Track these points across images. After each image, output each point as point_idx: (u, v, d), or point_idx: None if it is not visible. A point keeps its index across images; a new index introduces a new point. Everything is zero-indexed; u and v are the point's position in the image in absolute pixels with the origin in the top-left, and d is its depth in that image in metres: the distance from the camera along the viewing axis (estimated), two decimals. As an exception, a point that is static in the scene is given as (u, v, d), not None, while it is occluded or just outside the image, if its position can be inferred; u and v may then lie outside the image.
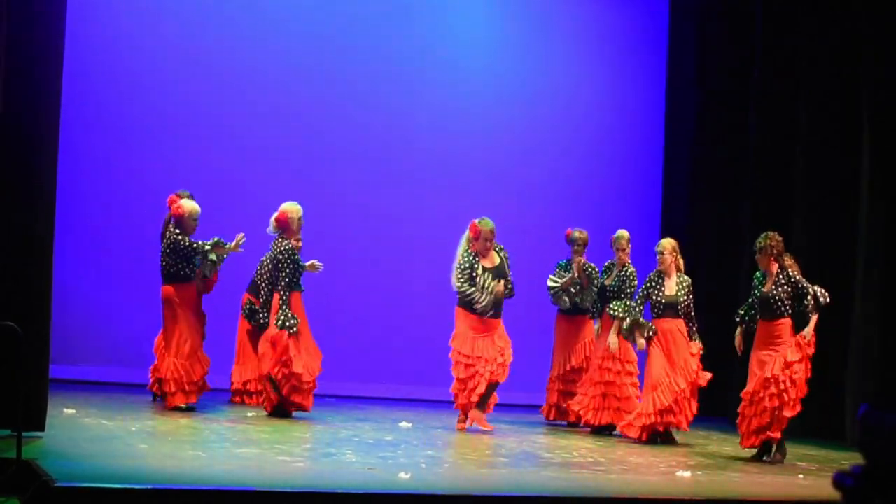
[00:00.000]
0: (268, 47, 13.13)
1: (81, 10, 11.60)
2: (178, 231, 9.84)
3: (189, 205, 9.92)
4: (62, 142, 7.91)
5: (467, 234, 9.93)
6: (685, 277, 10.26)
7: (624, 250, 10.83)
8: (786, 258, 9.30)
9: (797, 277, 9.23)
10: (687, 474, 8.11)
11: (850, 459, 9.47)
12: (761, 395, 9.18)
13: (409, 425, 10.07)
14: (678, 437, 10.31)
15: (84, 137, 12.17)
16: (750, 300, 9.55)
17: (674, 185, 14.33)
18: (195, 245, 9.80)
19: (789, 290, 9.19)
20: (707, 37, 14.18)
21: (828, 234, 11.93)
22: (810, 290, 9.19)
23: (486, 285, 9.83)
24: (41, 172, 7.56)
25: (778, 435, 9.27)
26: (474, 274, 9.84)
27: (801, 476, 8.61)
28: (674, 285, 10.16)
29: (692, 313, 10.21)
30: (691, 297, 10.22)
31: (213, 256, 9.99)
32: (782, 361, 9.13)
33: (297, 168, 13.12)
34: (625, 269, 10.76)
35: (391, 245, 13.38)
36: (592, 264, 11.24)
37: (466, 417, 9.96)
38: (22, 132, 7.49)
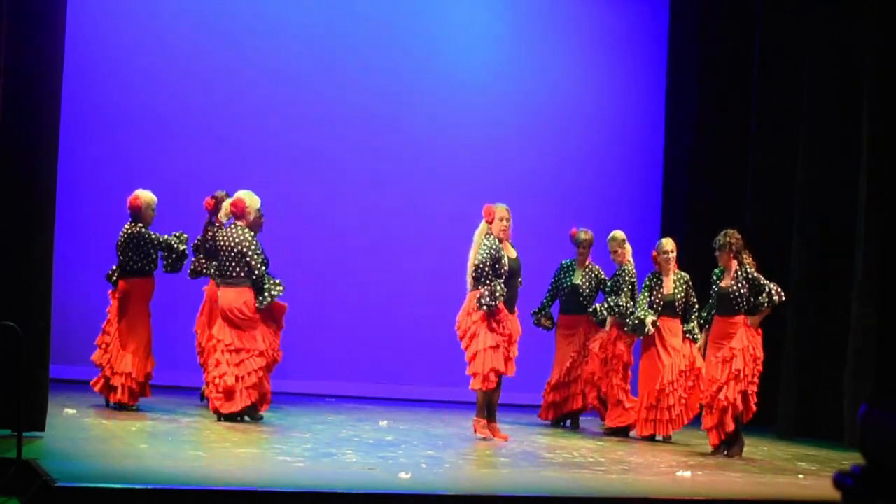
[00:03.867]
0: (269, 46, 13.13)
1: (81, 11, 11.60)
2: (140, 225, 9.81)
3: (146, 195, 9.91)
4: (62, 142, 7.90)
5: (482, 224, 9.41)
6: (682, 274, 10.35)
7: (616, 252, 10.82)
8: (745, 255, 9.41)
9: (755, 274, 9.33)
10: (687, 474, 8.11)
11: (850, 459, 9.47)
12: (724, 389, 9.31)
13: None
14: (675, 437, 10.38)
15: (84, 137, 12.17)
16: (710, 301, 9.68)
17: (674, 185, 14.34)
18: (160, 240, 9.75)
19: (747, 286, 9.28)
20: (707, 35, 14.18)
21: (828, 221, 11.95)
22: (767, 286, 9.27)
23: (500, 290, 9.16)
24: (41, 172, 7.56)
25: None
26: (496, 260, 9.22)
27: (801, 476, 8.61)
28: (671, 283, 10.26)
29: (692, 309, 10.24)
30: (691, 292, 10.29)
31: (181, 246, 9.88)
32: (749, 356, 9.25)
33: (297, 167, 13.12)
34: (621, 267, 10.76)
35: (392, 245, 13.38)
36: (599, 266, 11.24)
37: (489, 425, 9.45)
38: (22, 132, 7.49)
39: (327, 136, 13.29)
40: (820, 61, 12.14)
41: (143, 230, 9.80)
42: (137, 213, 9.88)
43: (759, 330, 9.40)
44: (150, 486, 5.91)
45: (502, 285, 9.20)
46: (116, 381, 9.67)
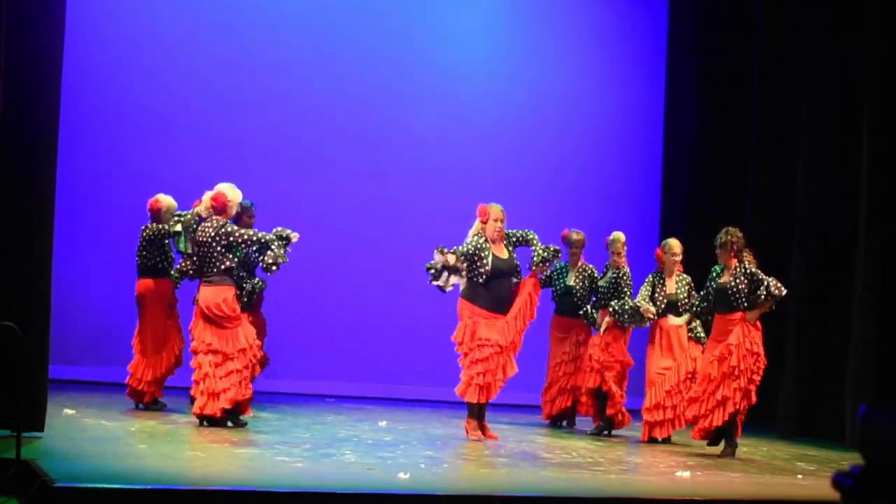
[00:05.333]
0: (268, 46, 13.14)
1: (81, 11, 11.60)
2: (159, 226, 9.90)
3: (166, 199, 9.95)
4: (62, 142, 7.90)
5: (476, 223, 9.39)
6: (685, 276, 10.34)
7: (619, 253, 10.80)
8: (746, 254, 9.42)
9: (753, 270, 9.35)
10: (686, 474, 8.11)
11: (849, 459, 9.47)
12: (722, 388, 9.31)
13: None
14: (675, 437, 10.37)
15: (84, 137, 12.17)
16: (703, 292, 9.70)
17: (673, 187, 14.34)
18: (165, 228, 9.78)
19: (746, 282, 9.30)
20: (707, 38, 14.19)
21: (828, 234, 11.94)
22: (765, 280, 9.29)
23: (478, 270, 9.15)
24: (41, 172, 7.56)
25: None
26: (477, 257, 9.20)
27: (800, 476, 8.62)
28: (674, 284, 10.24)
29: (694, 311, 10.22)
30: (693, 294, 10.27)
31: (177, 227, 9.60)
32: (745, 351, 9.26)
33: (298, 167, 13.12)
34: (619, 270, 10.75)
35: (392, 245, 13.38)
36: (592, 265, 11.23)
37: (479, 424, 9.43)
38: (22, 132, 7.49)
39: (327, 135, 13.29)
40: (820, 74, 12.10)
41: (159, 226, 9.84)
42: (157, 217, 9.93)
43: (759, 325, 9.37)
44: (149, 487, 5.91)
45: (457, 277, 9.19)
46: (133, 382, 9.84)
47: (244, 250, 9.36)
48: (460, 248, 9.27)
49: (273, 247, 8.95)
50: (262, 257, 9.05)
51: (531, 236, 9.52)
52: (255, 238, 8.95)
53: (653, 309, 10.10)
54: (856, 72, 11.69)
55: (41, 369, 7.49)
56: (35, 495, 5.84)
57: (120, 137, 12.59)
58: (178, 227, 9.58)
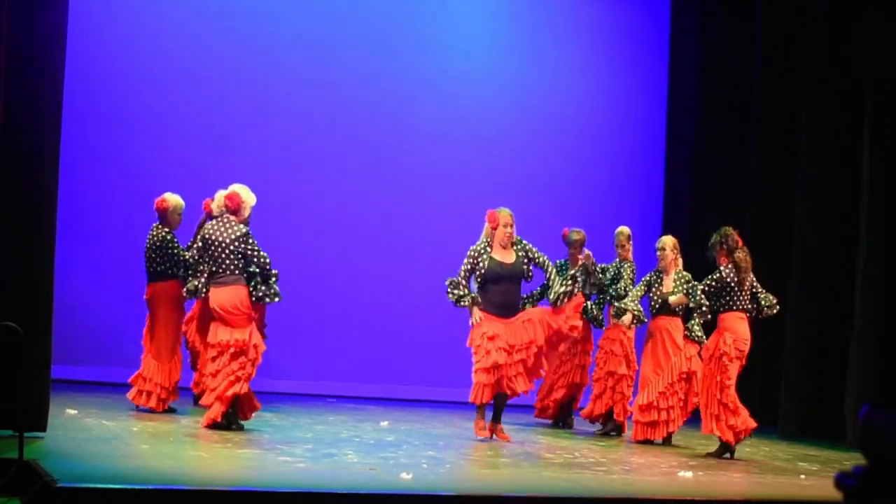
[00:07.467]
0: (269, 48, 13.14)
1: (83, 12, 11.61)
2: (166, 230, 9.80)
3: (174, 199, 9.87)
4: (64, 140, 7.90)
5: (486, 226, 9.36)
6: (684, 273, 10.22)
7: (623, 246, 10.80)
8: (739, 252, 9.39)
9: (715, 277, 9.40)
10: (688, 475, 8.11)
11: (851, 460, 9.47)
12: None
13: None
14: (674, 438, 10.36)
15: (84, 138, 12.17)
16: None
17: (675, 185, 14.35)
18: (184, 255, 9.70)
19: (718, 285, 9.40)
20: (709, 34, 14.20)
21: (829, 231, 11.95)
22: (698, 293, 9.48)
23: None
24: (43, 171, 7.55)
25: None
26: (474, 266, 9.24)
27: (802, 476, 8.61)
28: (671, 283, 10.18)
29: (694, 309, 10.18)
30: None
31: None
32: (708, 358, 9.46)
33: (298, 167, 13.12)
34: (623, 262, 10.75)
35: (393, 245, 13.38)
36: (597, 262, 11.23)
37: (492, 425, 9.46)
38: (22, 133, 7.48)
39: (328, 136, 13.29)
40: (822, 58, 12.11)
41: (169, 237, 9.76)
42: (164, 216, 9.84)
43: (733, 327, 9.36)
44: (151, 487, 5.91)
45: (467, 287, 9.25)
46: (146, 387, 9.73)
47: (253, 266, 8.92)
48: (461, 270, 9.29)
49: (272, 282, 8.88)
50: (259, 285, 8.85)
51: (549, 266, 9.51)
52: (265, 264, 8.81)
53: (628, 318, 10.08)
54: (856, 63, 11.69)
55: (43, 369, 7.49)
56: (37, 495, 5.84)
57: (122, 136, 12.58)
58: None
